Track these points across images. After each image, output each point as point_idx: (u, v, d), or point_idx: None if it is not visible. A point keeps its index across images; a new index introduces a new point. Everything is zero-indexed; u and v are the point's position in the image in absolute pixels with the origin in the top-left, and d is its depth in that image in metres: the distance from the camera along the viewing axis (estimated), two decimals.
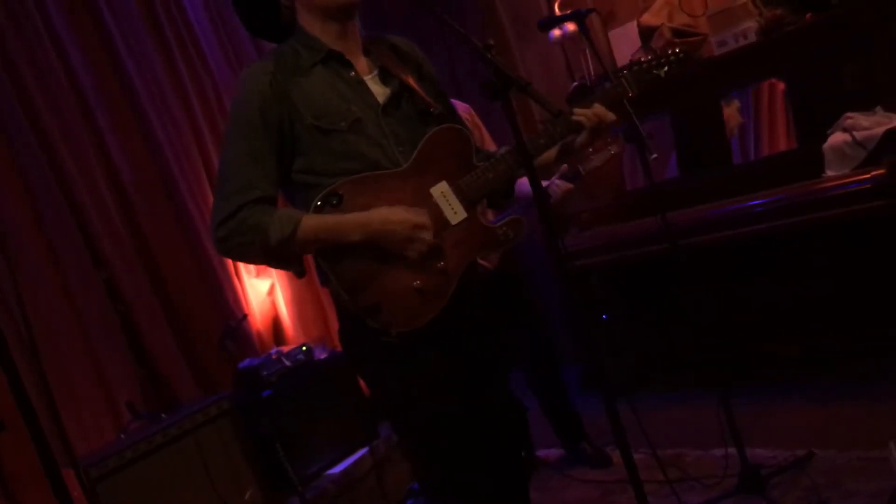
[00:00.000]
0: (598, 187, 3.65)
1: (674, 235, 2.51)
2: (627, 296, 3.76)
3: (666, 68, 1.81)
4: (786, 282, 3.23)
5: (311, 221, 1.56)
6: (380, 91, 1.67)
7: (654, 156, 2.43)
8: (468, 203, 1.66)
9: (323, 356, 3.28)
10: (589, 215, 3.58)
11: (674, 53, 1.82)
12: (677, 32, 3.29)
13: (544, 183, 2.79)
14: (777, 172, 2.94)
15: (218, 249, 1.62)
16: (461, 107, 2.65)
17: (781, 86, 3.20)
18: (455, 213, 1.65)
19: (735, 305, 3.34)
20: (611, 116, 1.69)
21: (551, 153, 1.77)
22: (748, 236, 2.92)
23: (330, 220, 1.57)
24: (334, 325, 3.74)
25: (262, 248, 1.57)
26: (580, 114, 1.67)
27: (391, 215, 1.56)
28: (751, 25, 3.11)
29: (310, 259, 1.67)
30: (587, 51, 3.65)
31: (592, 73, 3.68)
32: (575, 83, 3.63)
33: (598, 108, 1.68)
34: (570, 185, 2.86)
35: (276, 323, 3.73)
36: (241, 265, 3.58)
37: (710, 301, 3.11)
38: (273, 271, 3.68)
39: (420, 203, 1.62)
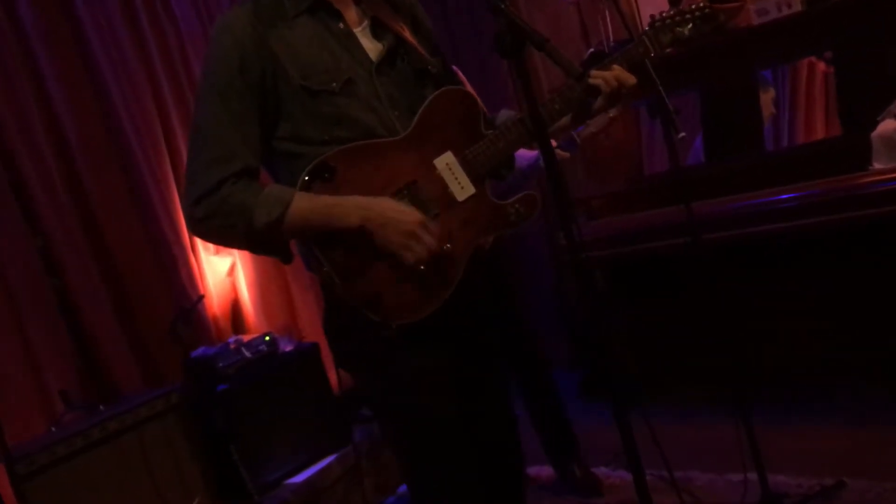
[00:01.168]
0: (612, 167, 3.59)
1: (696, 229, 2.47)
2: (636, 295, 3.73)
3: (690, 25, 1.75)
4: (818, 286, 3.21)
5: (303, 202, 1.51)
6: (372, 47, 1.64)
7: (682, 135, 2.37)
8: (476, 177, 1.62)
9: (288, 348, 3.25)
10: (600, 202, 3.58)
11: (699, 8, 1.76)
12: None
13: (534, 153, 2.73)
14: (816, 162, 2.91)
15: (193, 230, 1.58)
16: None
17: (822, 65, 3.20)
18: (462, 188, 1.61)
19: (759, 310, 3.30)
20: (631, 79, 1.66)
21: (565, 120, 1.74)
22: (780, 233, 2.89)
23: (327, 200, 1.52)
24: (303, 313, 3.82)
25: (246, 233, 1.52)
26: (597, 76, 1.64)
27: (401, 206, 1.54)
28: None
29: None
30: (606, 12, 3.61)
31: (612, 38, 3.63)
32: (591, 50, 3.61)
33: (617, 71, 1.65)
34: (565, 155, 2.82)
35: (235, 308, 3.69)
36: (199, 239, 3.50)
37: (731, 305, 3.03)
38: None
39: (423, 177, 1.59)
